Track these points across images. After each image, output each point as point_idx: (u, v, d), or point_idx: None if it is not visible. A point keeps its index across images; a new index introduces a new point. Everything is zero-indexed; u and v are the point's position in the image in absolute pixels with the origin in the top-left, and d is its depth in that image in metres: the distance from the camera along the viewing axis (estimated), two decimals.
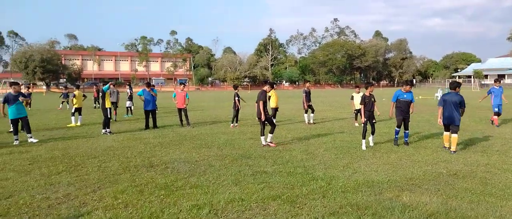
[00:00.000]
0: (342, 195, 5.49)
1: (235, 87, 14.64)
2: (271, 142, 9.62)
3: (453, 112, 8.55)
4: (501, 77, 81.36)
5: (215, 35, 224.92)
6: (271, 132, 9.66)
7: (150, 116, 13.34)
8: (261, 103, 9.47)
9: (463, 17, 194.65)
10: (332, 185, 5.96)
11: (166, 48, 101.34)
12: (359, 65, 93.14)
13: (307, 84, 15.54)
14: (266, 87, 9.91)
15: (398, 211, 4.76)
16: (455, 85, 8.87)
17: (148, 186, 6.00)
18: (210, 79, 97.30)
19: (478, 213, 4.71)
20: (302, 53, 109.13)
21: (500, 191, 5.63)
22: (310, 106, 14.63)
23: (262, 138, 9.66)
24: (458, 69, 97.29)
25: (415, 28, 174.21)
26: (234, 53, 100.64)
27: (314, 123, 14.46)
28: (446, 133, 8.90)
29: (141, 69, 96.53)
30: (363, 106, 9.27)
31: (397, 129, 9.61)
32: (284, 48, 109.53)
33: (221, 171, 6.97)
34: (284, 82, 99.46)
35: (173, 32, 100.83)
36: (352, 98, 14.21)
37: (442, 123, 8.84)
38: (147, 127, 13.12)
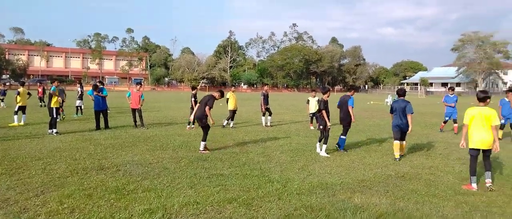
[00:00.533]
0: (297, 197, 5.57)
1: (194, 88, 14.42)
2: (203, 150, 8.96)
3: (402, 119, 8.52)
4: (444, 85, 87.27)
5: (174, 34, 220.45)
6: (203, 139, 9.03)
7: (101, 116, 12.79)
8: (207, 108, 8.96)
9: (414, 28, 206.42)
10: (288, 188, 6.02)
11: (121, 46, 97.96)
12: (315, 70, 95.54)
13: (265, 87, 15.68)
14: (216, 94, 9.28)
15: (350, 213, 4.90)
16: (403, 92, 8.96)
17: (98, 189, 5.72)
18: (167, 79, 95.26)
19: (423, 213, 4.96)
20: (261, 56, 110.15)
21: (443, 192, 5.99)
22: (267, 109, 14.75)
23: (203, 143, 9.06)
24: (406, 76, 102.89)
25: (369, 36, 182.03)
26: (193, 53, 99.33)
27: (271, 126, 14.60)
28: (396, 142, 8.58)
29: (93, 67, 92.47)
30: (324, 111, 8.92)
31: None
32: (243, 50, 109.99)
33: (176, 174, 6.81)
34: (242, 85, 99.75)
35: (129, 30, 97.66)
36: (308, 102, 14.54)
37: (394, 131, 8.66)
38: (98, 127, 12.55)
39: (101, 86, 13.58)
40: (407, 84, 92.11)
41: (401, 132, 8.57)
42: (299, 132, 13.03)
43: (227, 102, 14.46)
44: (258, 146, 9.97)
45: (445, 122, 13.99)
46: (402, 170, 7.43)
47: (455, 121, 13.50)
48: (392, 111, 8.82)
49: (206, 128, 9.09)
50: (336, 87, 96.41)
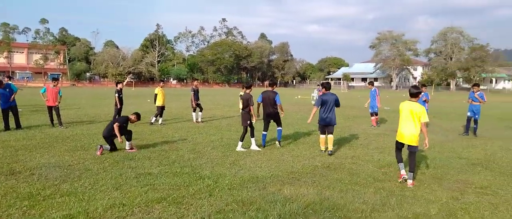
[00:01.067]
0: (228, 192, 5.56)
1: (118, 83, 13.63)
2: (130, 149, 8.51)
3: (329, 112, 8.53)
4: (364, 80, 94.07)
5: (95, 26, 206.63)
6: (129, 139, 8.54)
7: (11, 115, 11.51)
8: (116, 125, 8.30)
9: (337, 26, 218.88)
10: (219, 183, 5.99)
11: (35, 38, 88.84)
12: (245, 65, 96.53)
13: (195, 83, 15.41)
14: (133, 117, 8.84)
15: (280, 204, 5.03)
16: (329, 85, 9.00)
17: (7, 197, 5.13)
18: (88, 74, 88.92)
19: (346, 200, 5.28)
20: (190, 51, 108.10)
21: (364, 179, 6.42)
22: (198, 105, 14.53)
23: (128, 143, 8.55)
24: (330, 72, 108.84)
25: (296, 33, 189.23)
26: (117, 47, 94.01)
27: (202, 122, 14.42)
28: (322, 136, 8.71)
29: (1, 60, 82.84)
30: (252, 107, 8.98)
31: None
32: (172, 45, 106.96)
33: (100, 175, 6.38)
34: (171, 80, 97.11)
35: (44, 20, 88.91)
36: (241, 96, 14.60)
37: (319, 124, 8.73)
38: (7, 127, 11.26)
39: (8, 82, 12.23)
40: (332, 79, 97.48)
41: (327, 125, 8.58)
42: (231, 127, 13.05)
43: (155, 98, 13.95)
44: (188, 143, 9.77)
45: (372, 114, 14.18)
46: (328, 161, 7.82)
47: (376, 114, 14.10)
48: (320, 104, 8.60)
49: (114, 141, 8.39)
50: (266, 82, 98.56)
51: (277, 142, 9.43)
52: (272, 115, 9.26)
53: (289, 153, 8.63)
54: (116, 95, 12.99)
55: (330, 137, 8.58)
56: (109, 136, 8.33)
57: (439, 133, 12.21)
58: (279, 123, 9.46)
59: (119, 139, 8.27)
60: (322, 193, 5.58)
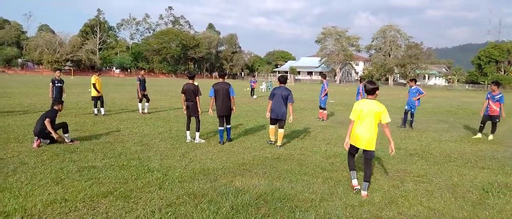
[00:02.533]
0: (179, 185, 5.44)
1: (56, 70, 12.70)
2: (71, 141, 8.01)
3: (281, 106, 8.35)
4: (310, 73, 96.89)
5: (27, 9, 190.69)
6: (66, 132, 8.01)
7: None
8: (47, 120, 7.71)
9: (283, 19, 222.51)
10: (169, 176, 5.84)
11: None
12: (193, 55, 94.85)
13: (142, 72, 14.83)
14: (57, 107, 8.27)
15: (232, 196, 5.02)
16: (284, 79, 8.70)
17: None
18: (20, 60, 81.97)
19: (296, 190, 5.41)
20: (134, 39, 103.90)
21: (312, 170, 6.62)
22: (144, 95, 14.03)
23: (67, 135, 8.02)
24: (278, 65, 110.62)
25: (244, 24, 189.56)
26: (53, 32, 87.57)
27: (149, 113, 13.96)
28: (272, 127, 8.63)
29: None
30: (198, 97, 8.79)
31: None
32: (115, 32, 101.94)
33: (38, 169, 5.92)
34: (114, 69, 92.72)
35: None
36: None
37: (270, 116, 8.53)
38: None
39: None
40: (279, 72, 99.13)
41: (278, 119, 8.43)
42: (179, 118, 12.78)
43: (94, 87, 13.17)
44: (135, 135, 9.41)
45: (324, 108, 14.31)
46: (278, 152, 7.95)
47: (324, 108, 14.22)
48: (272, 97, 8.43)
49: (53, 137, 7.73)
50: (214, 74, 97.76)
51: (227, 139, 8.89)
52: (227, 108, 8.60)
53: (239, 144, 8.64)
54: (51, 84, 12.11)
55: (280, 132, 8.49)
56: (41, 133, 7.65)
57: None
58: (228, 121, 8.90)
59: (54, 136, 7.68)
60: (273, 184, 5.67)
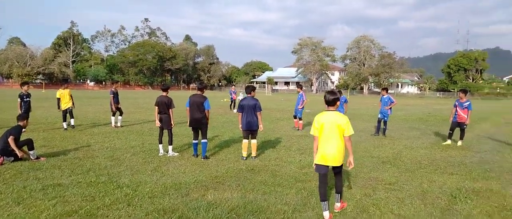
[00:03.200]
0: (149, 200, 5.29)
1: (24, 84, 12.24)
2: (36, 158, 7.65)
3: (253, 117, 8.29)
4: (287, 83, 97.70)
5: None
6: (31, 149, 7.68)
7: None
8: (11, 138, 7.38)
9: (260, 30, 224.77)
10: (139, 192, 5.68)
11: None
12: (170, 67, 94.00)
13: (115, 85, 14.56)
14: (22, 122, 8.13)
15: (203, 210, 4.92)
16: (250, 89, 8.59)
17: None
18: None
19: (269, 202, 5.36)
20: (110, 51, 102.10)
21: (286, 181, 6.60)
22: (118, 108, 13.73)
23: (32, 152, 7.65)
24: (255, 75, 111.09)
25: (221, 36, 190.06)
26: (24, 45, 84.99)
27: (122, 126, 13.64)
28: (245, 141, 8.38)
29: None
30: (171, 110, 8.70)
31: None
32: (89, 44, 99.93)
33: None
34: (88, 82, 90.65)
35: None
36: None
37: (243, 129, 8.38)
38: None
39: None
40: (257, 82, 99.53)
41: (251, 130, 8.38)
42: (153, 131, 12.53)
43: (58, 102, 12.80)
44: (106, 149, 9.14)
45: (299, 118, 14.29)
46: (252, 164, 7.89)
47: (300, 118, 14.21)
48: (241, 109, 8.36)
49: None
50: (192, 85, 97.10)
51: (202, 157, 8.28)
52: (198, 121, 8.31)
53: (213, 157, 8.54)
54: (19, 100, 11.67)
55: (254, 142, 8.46)
56: (4, 151, 7.30)
57: (354, 134, 13.10)
58: (204, 134, 8.42)
59: (18, 153, 7.35)
60: (246, 197, 5.60)
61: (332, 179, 5.28)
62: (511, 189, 6.28)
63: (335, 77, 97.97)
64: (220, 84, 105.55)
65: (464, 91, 11.33)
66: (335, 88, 23.30)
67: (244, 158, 8.36)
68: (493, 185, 6.50)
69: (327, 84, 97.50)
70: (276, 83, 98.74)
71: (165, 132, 8.70)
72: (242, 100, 8.54)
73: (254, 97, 8.51)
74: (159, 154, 8.53)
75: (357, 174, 7.12)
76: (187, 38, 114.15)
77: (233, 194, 5.72)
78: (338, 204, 5.11)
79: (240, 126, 8.46)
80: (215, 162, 7.95)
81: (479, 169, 7.78)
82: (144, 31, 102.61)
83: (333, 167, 4.93)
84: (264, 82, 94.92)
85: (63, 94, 12.80)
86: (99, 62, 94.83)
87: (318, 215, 4.91)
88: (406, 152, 9.73)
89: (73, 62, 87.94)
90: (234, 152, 9.13)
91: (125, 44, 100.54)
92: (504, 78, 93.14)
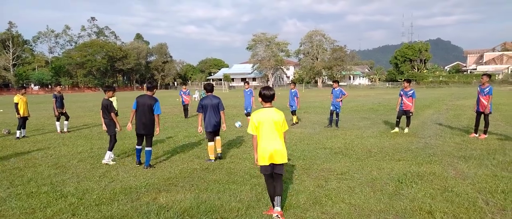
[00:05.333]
0: (96, 208, 5.02)
1: None
2: None
3: (216, 116, 7.89)
4: (243, 80, 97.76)
5: None
6: None
7: None
8: None
9: (214, 27, 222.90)
10: (85, 200, 5.37)
11: None
12: (121, 67, 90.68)
13: (58, 88, 13.72)
14: None
15: (154, 214, 4.75)
16: (211, 87, 8.12)
17: None
18: None
19: (223, 201, 5.28)
20: (55, 52, 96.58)
21: (241, 178, 6.55)
22: (63, 113, 12.97)
23: None
24: (211, 73, 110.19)
25: (174, 33, 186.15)
26: None
27: (69, 132, 12.92)
28: (210, 144, 7.90)
29: None
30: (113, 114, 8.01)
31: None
32: (31, 46, 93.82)
33: None
34: (32, 86, 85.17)
35: None
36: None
37: (202, 131, 7.91)
38: None
39: None
40: (213, 79, 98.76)
41: (214, 130, 7.92)
42: (102, 135, 11.97)
43: (16, 108, 11.81)
44: (50, 157, 8.59)
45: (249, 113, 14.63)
46: (206, 163, 7.76)
47: (248, 114, 14.42)
48: (201, 109, 7.86)
49: None
50: (145, 85, 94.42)
51: (144, 166, 7.34)
52: (146, 127, 7.38)
53: (167, 158, 8.30)
54: None
55: (218, 138, 8.14)
56: None
57: (308, 127, 13.38)
58: (149, 142, 7.44)
59: None
60: (200, 197, 5.48)
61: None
62: (451, 171, 6.69)
63: (290, 71, 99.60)
64: (175, 82, 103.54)
65: (408, 81, 11.93)
66: (290, 82, 23.92)
67: (212, 160, 7.82)
68: (436, 168, 6.88)
69: (282, 79, 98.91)
70: (232, 79, 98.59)
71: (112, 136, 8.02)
72: (202, 99, 8.00)
73: (215, 95, 8.02)
74: (103, 161, 8.10)
75: (310, 166, 7.24)
76: (138, 36, 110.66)
77: (186, 195, 5.59)
78: (278, 208, 4.59)
79: (200, 128, 7.87)
80: (168, 163, 7.73)
81: (423, 154, 8.21)
82: (91, 31, 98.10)
83: (275, 167, 4.64)
84: (220, 79, 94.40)
85: (21, 99, 11.85)
86: (43, 65, 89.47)
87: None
88: (357, 141, 10.06)
89: (14, 65, 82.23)
90: (188, 152, 8.95)
91: (71, 45, 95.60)
92: (446, 67, 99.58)
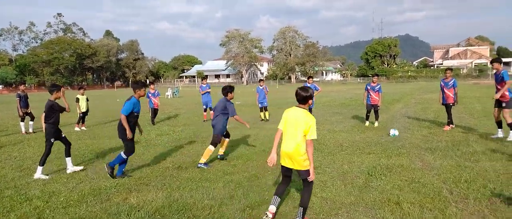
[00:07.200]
0: (63, 211, 4.86)
1: None
2: None
3: (221, 120, 7.47)
4: (217, 76, 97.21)
5: None
6: None
7: None
8: None
9: (187, 24, 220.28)
10: (51, 203, 5.18)
11: None
12: (90, 65, 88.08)
13: (22, 87, 13.15)
14: None
15: (125, 215, 4.65)
16: (227, 90, 7.47)
17: None
18: None
19: (196, 199, 5.23)
20: (19, 50, 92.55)
21: (214, 175, 6.51)
22: (28, 113, 12.47)
23: None
24: (184, 69, 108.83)
25: (147, 29, 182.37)
26: None
27: (34, 132, 12.44)
28: (211, 147, 7.30)
29: None
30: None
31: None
32: None
33: None
34: None
35: None
36: (77, 100, 13.25)
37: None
38: None
39: None
40: (186, 77, 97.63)
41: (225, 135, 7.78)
42: (69, 135, 11.60)
43: None
44: (14, 159, 8.25)
45: (205, 110, 15.13)
46: (180, 161, 7.68)
47: (211, 109, 14.53)
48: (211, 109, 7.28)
49: None
50: (116, 83, 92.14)
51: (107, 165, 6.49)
52: (118, 132, 6.58)
53: (138, 157, 8.13)
54: None
55: (226, 140, 7.87)
56: None
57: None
58: (124, 148, 6.56)
59: None
60: (172, 196, 5.41)
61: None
62: (418, 163, 6.92)
63: (264, 68, 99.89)
64: (147, 80, 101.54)
65: (376, 76, 12.35)
66: (264, 78, 24.03)
67: (206, 165, 7.15)
68: (403, 160, 7.10)
69: (256, 75, 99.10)
70: (206, 76, 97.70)
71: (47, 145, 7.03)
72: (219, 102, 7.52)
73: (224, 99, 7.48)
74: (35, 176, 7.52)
75: None
76: (108, 33, 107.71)
77: (158, 194, 5.50)
78: (273, 208, 4.47)
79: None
80: (140, 162, 7.59)
81: (392, 146, 8.44)
82: (58, 27, 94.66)
83: (299, 172, 4.45)
84: (193, 76, 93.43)
85: None
86: (7, 63, 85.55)
87: (244, 206, 4.92)
88: (329, 136, 10.22)
89: None
90: (161, 151, 8.81)
91: (37, 42, 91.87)
92: (414, 62, 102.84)
